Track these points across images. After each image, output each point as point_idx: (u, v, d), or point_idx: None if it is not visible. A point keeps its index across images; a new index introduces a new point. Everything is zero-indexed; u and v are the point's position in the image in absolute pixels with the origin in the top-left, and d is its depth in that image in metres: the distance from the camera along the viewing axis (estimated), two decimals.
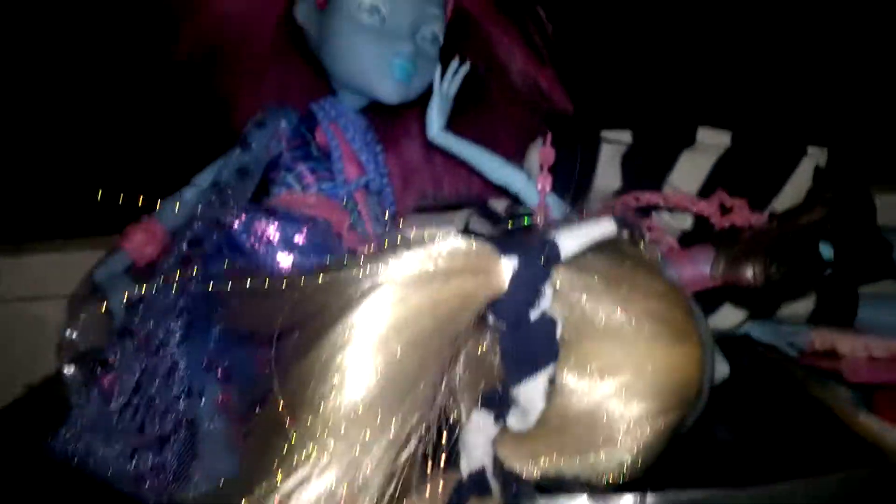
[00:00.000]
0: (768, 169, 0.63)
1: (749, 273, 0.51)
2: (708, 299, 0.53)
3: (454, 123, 0.68)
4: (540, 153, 0.60)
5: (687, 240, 0.64)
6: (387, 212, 0.67)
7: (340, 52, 0.60)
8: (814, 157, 0.61)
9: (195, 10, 0.65)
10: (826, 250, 0.50)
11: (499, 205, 0.77)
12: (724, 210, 0.58)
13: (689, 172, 0.66)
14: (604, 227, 0.38)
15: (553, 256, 0.38)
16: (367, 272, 0.35)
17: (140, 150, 0.94)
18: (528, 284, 0.37)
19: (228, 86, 0.69)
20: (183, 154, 0.70)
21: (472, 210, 0.78)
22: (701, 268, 0.53)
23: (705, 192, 0.66)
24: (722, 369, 0.51)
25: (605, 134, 0.70)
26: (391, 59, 0.59)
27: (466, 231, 0.77)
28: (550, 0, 0.70)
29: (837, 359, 0.66)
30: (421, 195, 0.78)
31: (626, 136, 0.69)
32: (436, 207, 0.81)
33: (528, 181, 0.62)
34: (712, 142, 0.65)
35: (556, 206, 0.60)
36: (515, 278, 0.37)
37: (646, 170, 0.68)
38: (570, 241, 0.38)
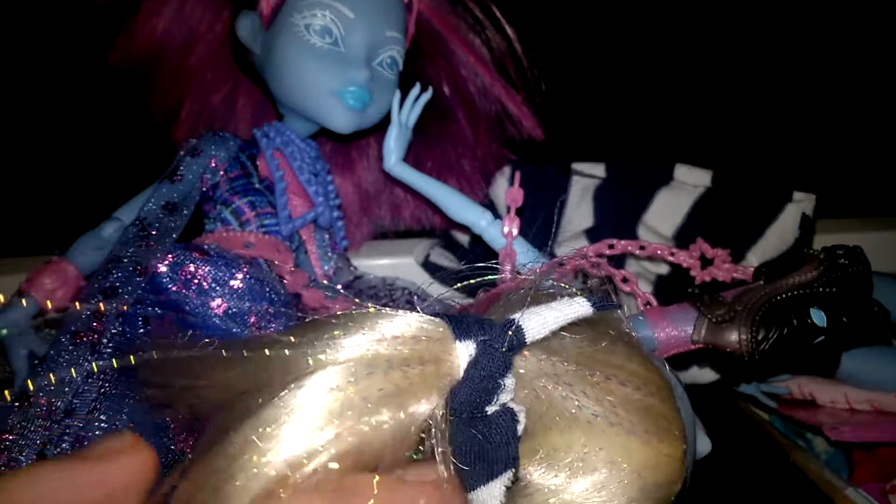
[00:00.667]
0: (750, 213, 0.59)
1: (734, 340, 0.46)
2: (685, 357, 0.48)
3: (415, 148, 0.63)
4: (507, 194, 0.54)
5: (663, 287, 0.59)
6: (336, 250, 0.61)
7: (287, 77, 0.54)
8: (800, 204, 0.57)
9: (131, 22, 0.58)
10: (818, 317, 0.45)
11: (463, 236, 0.71)
12: (705, 261, 0.53)
13: (665, 213, 0.61)
14: (578, 309, 0.33)
15: (517, 342, 0.32)
16: (307, 350, 0.31)
17: (70, 170, 0.86)
18: (485, 375, 0.32)
19: (166, 106, 0.62)
20: (117, 178, 0.63)
21: (433, 241, 0.73)
22: (681, 329, 0.48)
23: (682, 234, 0.61)
24: (703, 447, 0.46)
25: (577, 166, 0.65)
26: (344, 87, 0.53)
27: (426, 264, 0.71)
28: (523, 25, 0.65)
29: (816, 408, 0.63)
30: (378, 222, 0.72)
31: (599, 170, 0.64)
32: (395, 234, 0.75)
33: (492, 222, 0.56)
34: (691, 181, 0.61)
35: (523, 252, 0.55)
36: (471, 367, 0.32)
37: (620, 207, 0.63)
38: (538, 323, 0.33)
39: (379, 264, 0.72)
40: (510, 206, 0.54)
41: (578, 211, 0.65)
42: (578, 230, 0.64)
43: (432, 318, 0.33)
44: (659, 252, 0.53)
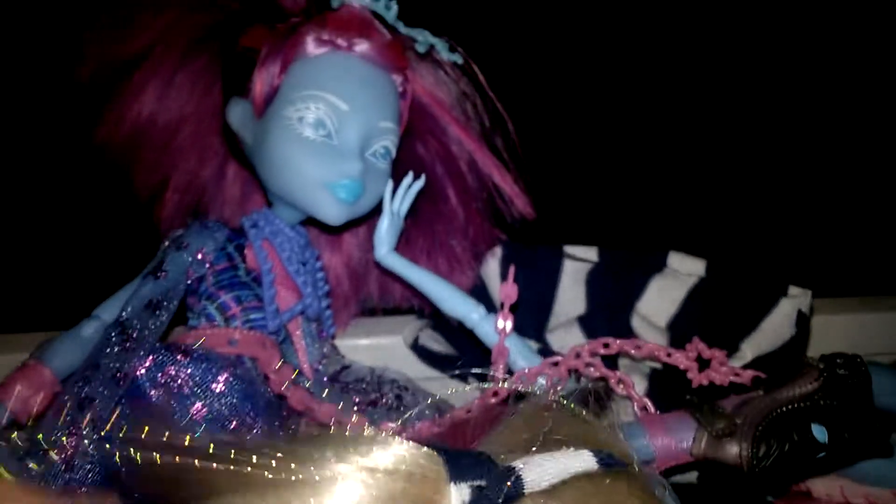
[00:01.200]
0: (744, 305, 0.58)
1: (735, 454, 0.45)
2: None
3: (405, 227, 0.61)
4: (501, 290, 0.53)
5: (658, 382, 0.58)
6: (323, 338, 0.59)
7: (278, 167, 0.53)
8: (795, 300, 0.56)
9: (117, 99, 0.57)
10: (820, 432, 0.44)
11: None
12: (702, 362, 0.52)
13: (659, 302, 0.60)
14: (582, 463, 0.31)
15: (514, 493, 0.31)
16: (290, 477, 0.30)
17: (53, 247, 0.84)
18: None
19: (152, 183, 0.61)
20: (101, 254, 0.62)
21: (423, 322, 0.71)
22: (679, 441, 0.47)
23: (677, 324, 0.60)
24: None
25: (569, 249, 0.64)
26: (338, 182, 0.52)
27: (415, 346, 0.69)
28: (515, 101, 0.64)
29: (812, 500, 0.62)
30: (366, 299, 0.70)
31: (591, 254, 0.63)
32: (384, 311, 0.74)
33: (484, 317, 0.55)
34: (685, 269, 0.60)
35: (517, 349, 0.53)
36: None
37: (613, 294, 0.62)
38: (538, 474, 0.31)
39: (366, 344, 0.70)
40: (504, 301, 0.53)
41: (571, 296, 0.64)
42: (571, 316, 0.63)
43: (429, 452, 0.32)
44: (656, 353, 0.52)
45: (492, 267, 0.65)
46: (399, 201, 0.57)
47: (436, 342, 0.69)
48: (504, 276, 0.62)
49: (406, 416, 0.51)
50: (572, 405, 0.44)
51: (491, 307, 0.59)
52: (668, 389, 0.56)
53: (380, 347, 0.71)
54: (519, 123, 0.65)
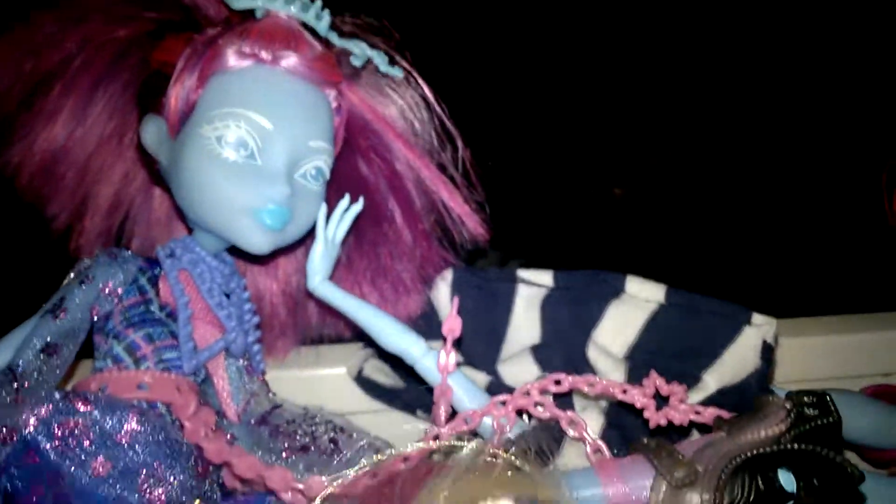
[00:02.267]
0: (705, 333, 0.55)
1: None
2: None
3: (347, 250, 0.58)
4: (444, 324, 0.49)
5: (616, 418, 0.54)
6: (253, 374, 0.54)
7: (196, 191, 0.48)
8: (760, 329, 0.53)
9: (34, 123, 0.53)
10: (787, 479, 0.41)
11: None
12: (660, 399, 0.48)
13: (617, 329, 0.57)
14: None
15: None
16: None
17: None
18: None
19: (69, 210, 0.56)
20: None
21: (368, 351, 0.66)
22: (636, 489, 0.43)
23: (635, 354, 0.57)
24: None
25: (522, 274, 0.60)
26: (262, 206, 0.47)
27: (360, 378, 0.65)
28: (469, 118, 0.60)
29: None
30: (306, 328, 0.65)
31: (546, 278, 0.59)
32: (327, 339, 0.69)
33: (426, 353, 0.51)
34: (643, 295, 0.57)
35: (461, 388, 0.49)
36: None
37: (569, 321, 0.58)
38: None
39: (307, 376, 0.65)
40: (447, 336, 0.49)
41: (525, 323, 0.60)
42: (525, 345, 0.59)
43: None
44: (611, 390, 0.48)
45: (442, 292, 0.61)
46: (334, 227, 0.52)
47: (381, 373, 0.65)
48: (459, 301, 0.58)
49: (338, 473, 0.46)
50: (512, 457, 0.40)
51: (441, 334, 0.54)
52: (628, 426, 0.53)
53: (322, 379, 0.66)
54: (471, 138, 0.61)
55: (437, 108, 0.59)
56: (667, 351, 0.55)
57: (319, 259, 0.52)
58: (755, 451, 0.42)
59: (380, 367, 0.65)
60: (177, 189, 0.49)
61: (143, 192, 0.58)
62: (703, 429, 0.51)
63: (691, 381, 0.54)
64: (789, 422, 0.43)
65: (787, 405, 0.43)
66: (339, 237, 0.53)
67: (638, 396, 0.48)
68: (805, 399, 0.43)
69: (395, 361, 0.65)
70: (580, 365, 0.56)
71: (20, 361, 0.43)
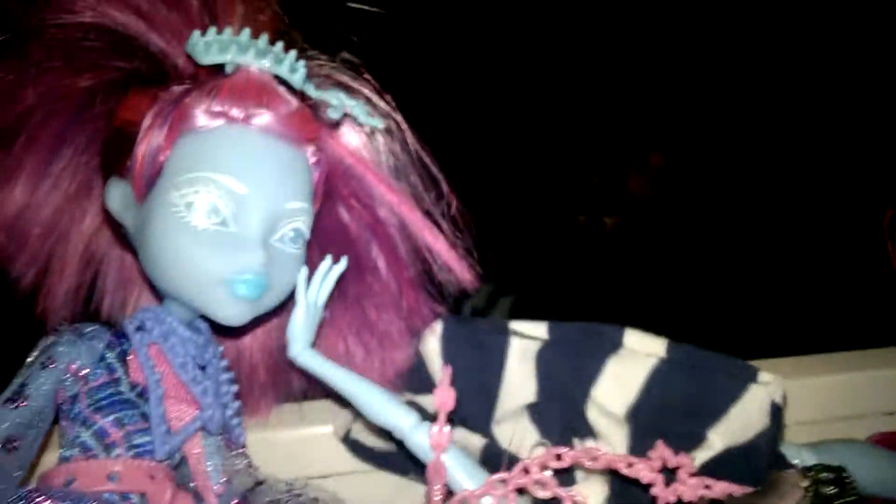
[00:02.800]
0: (710, 389, 0.52)
1: None
2: None
3: (330, 306, 0.54)
4: (435, 395, 0.46)
5: (621, 490, 0.51)
6: (233, 449, 0.51)
7: (164, 261, 0.45)
8: (767, 388, 0.51)
9: None
10: None
11: None
12: (668, 474, 0.45)
13: (617, 387, 0.54)
14: None
15: None
16: None
17: None
18: None
19: (34, 270, 0.52)
20: None
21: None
22: None
23: (637, 413, 0.54)
24: None
25: (515, 326, 0.57)
26: (235, 276, 0.44)
27: (347, 440, 0.61)
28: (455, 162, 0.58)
29: None
30: (288, 388, 0.62)
31: (541, 330, 0.56)
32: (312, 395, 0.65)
33: (416, 426, 0.48)
34: (643, 350, 0.54)
35: (457, 464, 0.46)
36: None
37: (566, 376, 0.55)
38: None
39: (291, 437, 0.62)
40: (439, 410, 0.46)
41: (519, 379, 0.57)
42: (520, 404, 0.56)
43: None
44: (615, 464, 0.45)
45: (431, 346, 0.58)
46: (316, 289, 0.49)
47: (371, 434, 0.62)
48: (446, 356, 0.56)
49: None
50: None
51: (431, 386, 0.51)
52: (634, 498, 0.50)
53: (308, 440, 0.63)
54: (457, 182, 0.58)
55: (420, 152, 0.56)
56: (670, 409, 0.53)
57: (301, 325, 0.49)
58: None
59: (368, 427, 0.62)
60: (144, 257, 0.46)
61: (113, 248, 0.55)
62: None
63: (696, 440, 0.52)
64: (807, 501, 0.40)
65: (804, 483, 0.40)
66: (322, 300, 0.50)
67: (644, 471, 0.45)
68: (822, 476, 0.41)
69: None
70: (579, 425, 0.54)
71: None
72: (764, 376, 0.51)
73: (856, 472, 0.50)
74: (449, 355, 0.54)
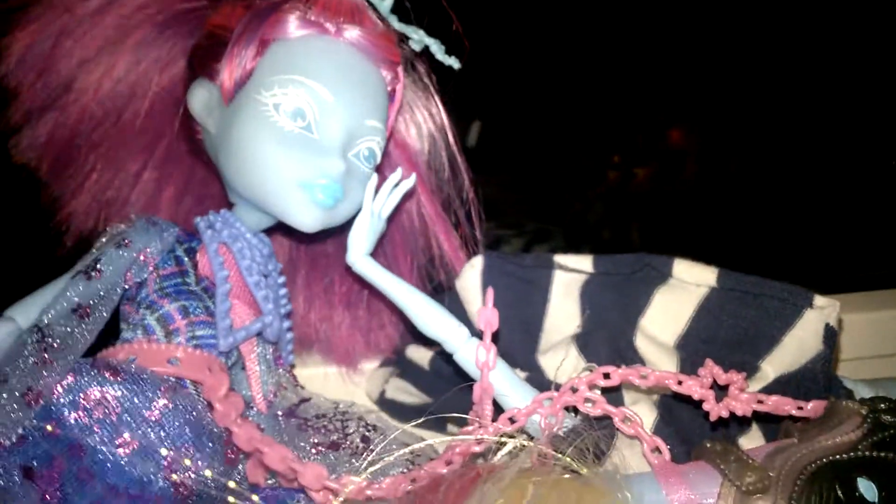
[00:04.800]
0: (763, 318, 0.52)
1: None
2: None
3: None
4: (479, 315, 0.47)
5: (670, 412, 0.51)
6: (282, 366, 0.52)
7: (247, 162, 0.46)
8: (822, 311, 0.50)
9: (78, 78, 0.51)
10: (868, 489, 0.39)
11: (422, 355, 0.63)
12: (718, 390, 0.46)
13: (665, 318, 0.54)
14: None
15: None
16: None
17: None
18: None
19: (71, 175, 0.54)
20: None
21: (388, 370, 0.64)
22: (701, 497, 0.41)
23: (687, 343, 0.53)
24: None
25: (559, 259, 0.57)
26: (315, 181, 0.45)
27: (382, 400, 0.62)
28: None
29: None
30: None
31: (585, 264, 0.56)
32: None
33: (467, 341, 0.49)
34: (692, 279, 0.53)
35: (505, 383, 0.47)
36: None
37: (612, 310, 0.55)
38: None
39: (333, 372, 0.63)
40: (484, 329, 0.47)
41: (563, 312, 0.57)
42: (565, 335, 0.56)
43: None
44: (665, 381, 0.46)
45: (471, 282, 0.57)
46: (383, 200, 0.50)
47: (405, 392, 0.62)
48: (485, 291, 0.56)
49: (373, 466, 0.43)
50: (568, 458, 0.38)
51: (469, 326, 0.52)
52: (684, 421, 0.50)
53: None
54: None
55: (453, 140, 0.58)
56: (721, 339, 0.52)
57: (363, 233, 0.49)
58: (831, 458, 0.40)
59: (402, 386, 0.63)
60: (225, 158, 0.48)
61: (161, 167, 0.56)
62: (765, 426, 0.49)
63: (749, 370, 0.51)
64: (866, 428, 0.41)
65: (863, 411, 0.41)
66: (387, 212, 0.51)
67: (695, 387, 0.45)
68: (882, 406, 0.41)
69: (418, 377, 0.62)
70: (627, 354, 0.53)
71: (49, 320, 0.42)
72: (819, 300, 0.50)
73: None
74: (490, 288, 0.54)
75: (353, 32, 0.48)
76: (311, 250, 0.60)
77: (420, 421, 0.49)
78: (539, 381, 0.52)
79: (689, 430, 0.51)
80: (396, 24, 0.52)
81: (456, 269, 0.58)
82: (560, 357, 0.54)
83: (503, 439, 0.44)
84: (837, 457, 0.40)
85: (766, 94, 0.92)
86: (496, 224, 0.93)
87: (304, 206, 0.46)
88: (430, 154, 0.59)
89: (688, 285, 0.53)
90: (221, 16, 0.49)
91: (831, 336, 0.49)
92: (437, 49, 0.53)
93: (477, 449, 0.44)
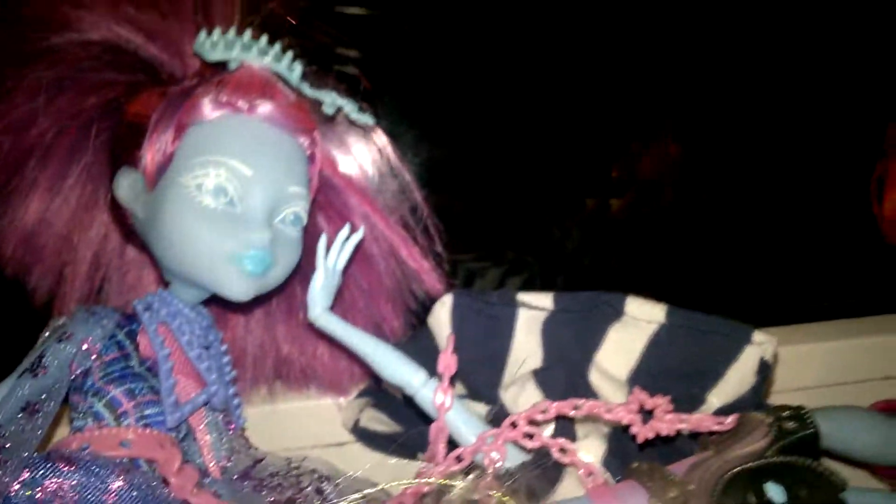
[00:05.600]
0: (708, 353, 0.56)
1: None
2: None
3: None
4: (440, 360, 0.50)
5: (619, 442, 0.55)
6: (233, 430, 0.54)
7: (176, 240, 0.50)
8: (760, 347, 0.56)
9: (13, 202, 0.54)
10: (776, 492, 0.43)
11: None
12: (646, 415, 0.50)
13: (618, 352, 0.59)
14: None
15: None
16: None
17: None
18: None
19: (50, 277, 0.57)
20: None
21: (363, 400, 0.66)
22: None
23: (638, 377, 0.58)
24: None
25: (522, 297, 0.61)
26: (242, 253, 0.49)
27: (357, 429, 0.65)
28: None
29: None
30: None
31: (546, 301, 0.60)
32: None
33: (425, 383, 0.53)
34: (643, 316, 0.58)
35: (460, 422, 0.51)
36: None
37: (570, 345, 0.60)
38: None
39: (298, 407, 0.67)
40: (443, 373, 0.50)
41: (526, 348, 0.61)
42: (527, 370, 0.60)
43: None
44: (595, 411, 0.50)
45: (441, 317, 0.61)
46: (336, 255, 0.55)
47: (379, 422, 0.65)
48: (456, 328, 0.60)
49: None
50: (498, 494, 0.42)
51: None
52: (630, 452, 0.55)
53: (309, 412, 0.67)
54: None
55: (397, 162, 0.62)
56: (670, 372, 0.57)
57: (320, 289, 0.54)
58: (742, 467, 0.44)
59: (376, 415, 0.66)
60: (156, 241, 0.51)
61: (118, 254, 0.60)
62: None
63: (696, 401, 0.56)
64: (772, 436, 0.45)
65: (768, 420, 0.45)
66: (341, 265, 0.55)
67: (622, 413, 0.50)
68: (783, 414, 0.46)
69: (392, 408, 0.66)
70: (581, 389, 0.58)
71: (1, 422, 0.43)
72: (758, 336, 0.56)
73: (854, 436, 0.53)
74: (459, 326, 0.59)
75: (265, 108, 0.51)
76: (283, 297, 0.63)
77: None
78: (502, 415, 0.56)
79: (636, 459, 0.55)
80: (308, 91, 0.55)
81: (424, 280, 0.61)
82: (520, 391, 0.58)
83: (446, 482, 0.47)
84: (748, 465, 0.44)
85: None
86: (474, 256, 0.97)
87: (235, 277, 0.50)
88: (377, 181, 0.62)
89: (639, 322, 0.58)
90: (138, 104, 0.52)
91: (765, 369, 0.55)
92: (350, 109, 0.56)
93: (426, 490, 0.47)
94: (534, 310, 0.61)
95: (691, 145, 1.00)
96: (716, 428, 0.49)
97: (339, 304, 0.61)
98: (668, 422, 0.50)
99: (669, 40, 0.93)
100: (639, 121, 0.99)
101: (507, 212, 0.98)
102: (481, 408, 0.60)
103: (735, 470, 0.44)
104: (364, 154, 0.62)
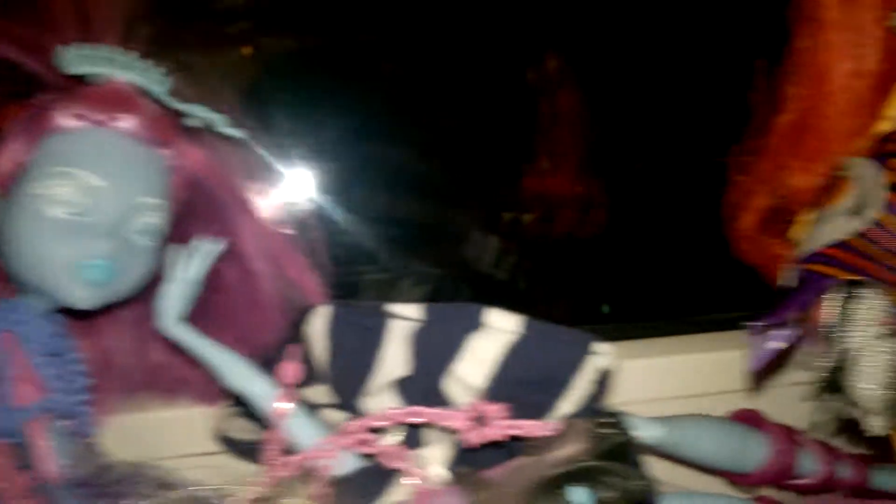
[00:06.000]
0: (557, 364, 0.57)
1: None
2: None
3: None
4: (279, 370, 0.51)
5: (463, 450, 0.56)
6: (82, 437, 0.55)
7: (22, 250, 0.52)
8: (598, 357, 0.56)
9: None
10: (582, 495, 0.44)
11: None
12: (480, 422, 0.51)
13: (475, 361, 0.59)
14: None
15: None
16: None
17: None
18: None
19: None
20: None
21: (232, 409, 0.67)
22: None
23: (494, 386, 0.57)
24: None
25: (392, 308, 0.62)
26: (83, 262, 0.51)
27: (224, 439, 0.65)
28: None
29: None
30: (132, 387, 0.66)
31: (416, 312, 0.61)
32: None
33: (270, 393, 0.54)
34: (501, 327, 0.59)
35: (300, 429, 0.52)
36: None
37: (434, 355, 0.59)
38: None
39: (170, 416, 0.67)
40: (282, 382, 0.52)
41: (393, 357, 0.62)
42: (391, 379, 0.61)
43: None
44: (433, 419, 0.52)
45: (317, 327, 0.62)
46: (196, 266, 0.56)
47: (245, 430, 0.66)
48: (332, 339, 0.60)
49: None
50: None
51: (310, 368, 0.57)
52: (478, 459, 0.55)
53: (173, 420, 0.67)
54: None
55: (274, 167, 0.63)
56: (523, 381, 0.58)
57: (174, 299, 0.55)
58: (551, 471, 0.45)
59: (242, 424, 0.66)
60: (5, 247, 0.53)
61: None
62: None
63: (548, 409, 0.56)
64: (588, 441, 0.46)
65: (586, 426, 0.47)
66: (196, 274, 0.57)
67: (459, 419, 0.51)
68: (599, 420, 0.47)
69: (254, 415, 0.66)
70: (436, 398, 0.58)
71: None
72: (598, 347, 0.56)
73: (699, 442, 0.57)
74: (334, 336, 0.60)
75: (123, 121, 0.53)
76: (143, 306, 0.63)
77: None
78: None
79: (485, 464, 0.56)
80: (174, 103, 0.56)
81: (303, 285, 0.62)
82: (378, 401, 0.59)
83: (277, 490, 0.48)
84: (557, 470, 0.46)
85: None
86: (381, 268, 0.98)
87: (77, 286, 0.52)
88: (257, 187, 0.62)
89: (497, 332, 0.59)
90: None
91: (602, 377, 0.56)
92: (220, 123, 0.58)
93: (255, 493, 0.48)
94: (405, 320, 0.62)
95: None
96: (544, 433, 0.51)
97: (215, 313, 0.61)
98: (501, 428, 0.51)
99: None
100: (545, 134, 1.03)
101: (419, 224, 1.01)
102: (341, 416, 0.60)
103: (544, 474, 0.46)
104: (248, 165, 0.62)
